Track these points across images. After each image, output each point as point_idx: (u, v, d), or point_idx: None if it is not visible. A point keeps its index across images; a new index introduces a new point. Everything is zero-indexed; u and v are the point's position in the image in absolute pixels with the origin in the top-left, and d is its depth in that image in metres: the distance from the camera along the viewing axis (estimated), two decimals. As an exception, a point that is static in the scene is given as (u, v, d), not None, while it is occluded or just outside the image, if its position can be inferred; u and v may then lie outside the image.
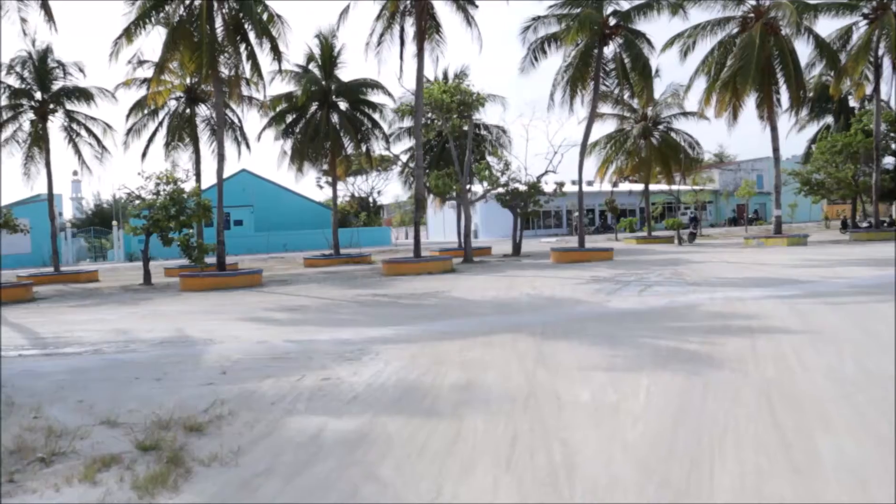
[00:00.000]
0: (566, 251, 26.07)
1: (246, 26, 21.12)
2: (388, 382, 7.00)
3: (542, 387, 6.54)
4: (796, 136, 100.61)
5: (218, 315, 13.89)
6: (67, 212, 76.40)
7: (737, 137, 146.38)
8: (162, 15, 20.58)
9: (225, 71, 22.75)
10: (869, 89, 34.23)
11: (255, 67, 21.91)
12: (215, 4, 20.72)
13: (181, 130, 32.23)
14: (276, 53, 21.58)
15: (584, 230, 26.79)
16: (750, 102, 31.40)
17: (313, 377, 7.36)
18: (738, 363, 7.18)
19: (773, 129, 31.43)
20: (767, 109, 30.81)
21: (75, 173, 54.59)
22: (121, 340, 10.84)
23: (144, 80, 29.31)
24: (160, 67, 20.92)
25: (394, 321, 11.64)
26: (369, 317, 12.56)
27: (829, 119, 47.56)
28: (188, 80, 30.73)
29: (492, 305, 13.28)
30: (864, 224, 44.88)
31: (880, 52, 32.82)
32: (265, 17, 21.95)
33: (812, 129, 48.97)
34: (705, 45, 31.42)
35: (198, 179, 29.94)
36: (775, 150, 31.73)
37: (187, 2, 20.85)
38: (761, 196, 64.56)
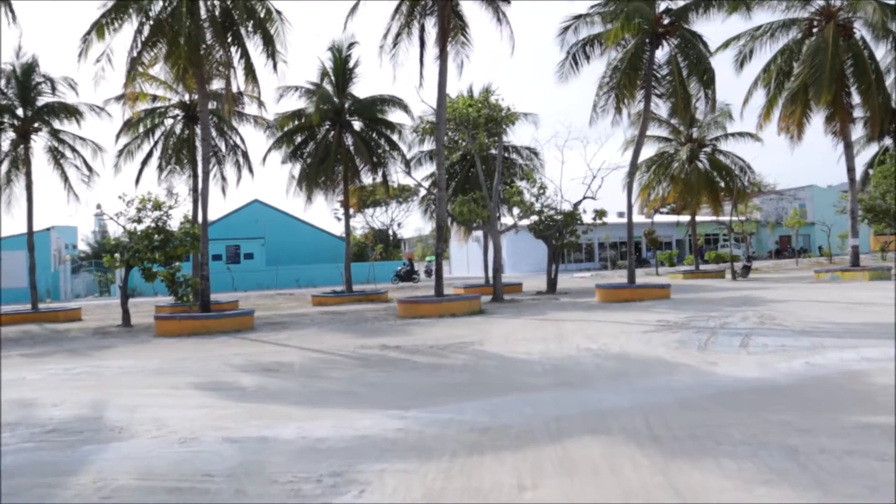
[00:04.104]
0: (614, 288, 22.13)
1: (236, 20, 17.72)
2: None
3: None
4: (837, 163, 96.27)
5: (168, 378, 10.18)
6: (83, 245, 73.91)
7: (768, 162, 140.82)
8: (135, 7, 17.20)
9: (216, 80, 19.47)
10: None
11: (249, 71, 18.46)
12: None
13: (178, 153, 28.96)
14: (271, 53, 18.12)
15: (633, 264, 22.86)
16: (816, 118, 27.56)
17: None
18: None
19: (848, 147, 27.47)
20: (840, 124, 26.86)
21: (99, 206, 51.74)
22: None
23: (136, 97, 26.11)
24: (135, 61, 17.47)
25: (403, 397, 7.85)
26: (369, 387, 8.76)
27: (888, 141, 43.29)
28: (186, 98, 27.62)
29: (544, 369, 9.41)
30: (935, 256, 40.68)
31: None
32: (262, 12, 18.61)
33: (868, 151, 44.75)
34: (764, 54, 27.68)
35: (195, 206, 26.50)
36: (850, 170, 27.67)
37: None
38: (806, 227, 60.01)
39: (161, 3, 17.50)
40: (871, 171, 40.85)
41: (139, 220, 20.49)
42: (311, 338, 15.10)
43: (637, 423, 6.09)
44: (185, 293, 20.51)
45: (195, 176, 27.79)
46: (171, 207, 21.66)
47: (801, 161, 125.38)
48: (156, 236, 20.20)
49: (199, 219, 19.23)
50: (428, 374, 9.56)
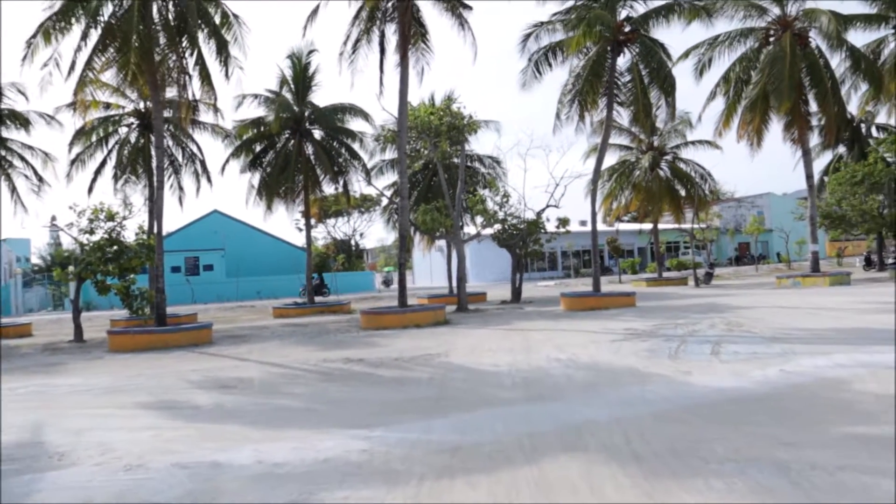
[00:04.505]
0: (580, 297, 21.94)
1: (191, 24, 17.14)
2: None
3: None
4: (793, 170, 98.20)
5: (118, 397, 9.63)
6: (36, 258, 71.70)
7: (726, 170, 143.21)
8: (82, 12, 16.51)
9: (171, 87, 18.86)
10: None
11: (205, 77, 17.89)
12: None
13: (133, 162, 28.10)
14: (225, 59, 17.56)
15: (598, 272, 22.72)
16: (775, 126, 27.86)
17: None
18: None
19: (806, 154, 27.80)
20: (799, 131, 27.16)
21: (54, 218, 50.26)
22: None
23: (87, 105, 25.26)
24: (85, 67, 16.78)
25: (368, 415, 7.45)
26: (332, 404, 8.33)
27: (841, 149, 44.05)
28: (141, 105, 26.84)
29: (513, 381, 9.08)
30: (891, 260, 41.37)
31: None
32: (217, 16, 18.07)
33: (822, 159, 45.59)
34: (722, 62, 27.88)
35: (151, 217, 25.71)
36: (808, 176, 27.98)
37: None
38: (764, 234, 60.86)
39: (111, 7, 16.86)
40: (826, 179, 41.57)
41: (91, 232, 19.75)
42: (272, 351, 14.59)
43: (615, 438, 5.78)
44: (140, 306, 19.83)
45: (151, 186, 26.99)
46: (125, 218, 20.95)
47: (757, 169, 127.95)
48: (109, 248, 19.48)
49: (155, 229, 18.55)
50: (393, 388, 9.16)
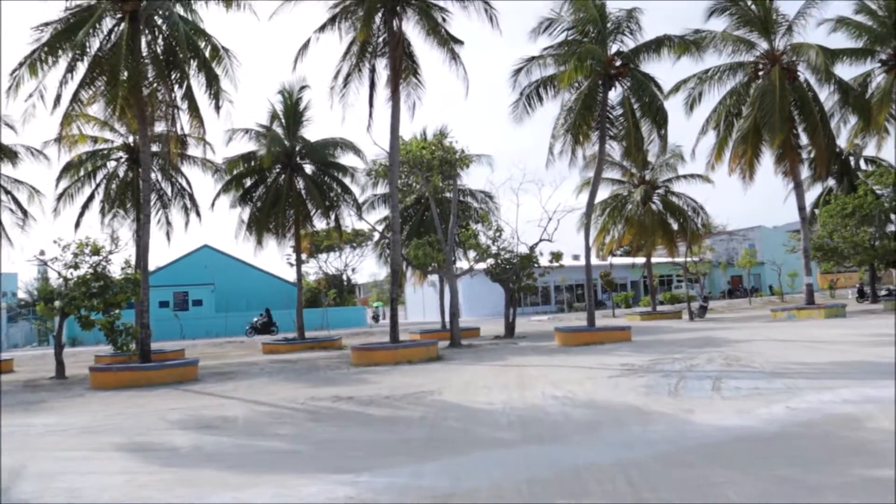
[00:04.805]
0: (574, 331, 21.58)
1: (180, 57, 16.96)
2: None
3: None
4: (784, 203, 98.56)
5: (94, 437, 9.18)
6: (23, 292, 70.87)
7: (717, 203, 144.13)
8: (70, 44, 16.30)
9: (160, 121, 18.68)
10: (890, 142, 30.78)
11: (194, 111, 17.65)
12: (142, 28, 16.69)
13: (122, 196, 27.78)
14: (216, 93, 17.36)
15: (593, 307, 22.39)
16: (766, 158, 27.83)
17: None
18: None
19: (798, 187, 27.85)
20: (790, 164, 27.14)
21: (41, 252, 49.50)
22: None
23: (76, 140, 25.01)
24: (72, 100, 16.55)
25: (356, 458, 7.04)
26: (318, 446, 7.92)
27: (831, 182, 44.15)
28: (130, 139, 26.60)
29: (509, 420, 8.69)
30: (884, 292, 41.28)
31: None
32: (207, 50, 17.90)
33: (813, 191, 45.71)
34: (712, 96, 27.96)
35: (139, 251, 25.30)
36: (801, 209, 27.94)
37: (106, 27, 16.78)
38: (756, 266, 60.76)
39: (99, 40, 16.68)
40: (817, 211, 41.62)
41: (76, 266, 19.35)
42: (259, 389, 14.15)
43: (619, 484, 5.41)
44: (124, 342, 19.34)
45: (139, 219, 26.64)
46: (111, 252, 20.61)
47: (747, 202, 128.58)
48: (94, 283, 19.06)
49: (141, 264, 18.17)
50: (383, 428, 8.76)
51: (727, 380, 11.11)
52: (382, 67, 20.64)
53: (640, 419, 8.26)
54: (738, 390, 9.96)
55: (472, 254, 27.69)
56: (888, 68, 29.75)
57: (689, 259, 37.81)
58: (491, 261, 26.87)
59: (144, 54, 16.98)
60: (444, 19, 20.02)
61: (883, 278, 50.24)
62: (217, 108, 17.49)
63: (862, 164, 44.01)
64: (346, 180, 29.56)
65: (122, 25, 16.65)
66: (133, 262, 24.47)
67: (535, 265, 27.40)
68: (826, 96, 27.59)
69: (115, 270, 20.75)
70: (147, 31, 17.09)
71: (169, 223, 29.17)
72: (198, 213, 29.05)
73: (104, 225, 27.62)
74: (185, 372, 16.91)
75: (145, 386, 15.62)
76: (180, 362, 18.10)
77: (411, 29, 20.38)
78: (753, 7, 25.92)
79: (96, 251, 19.50)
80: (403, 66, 20.24)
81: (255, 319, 42.29)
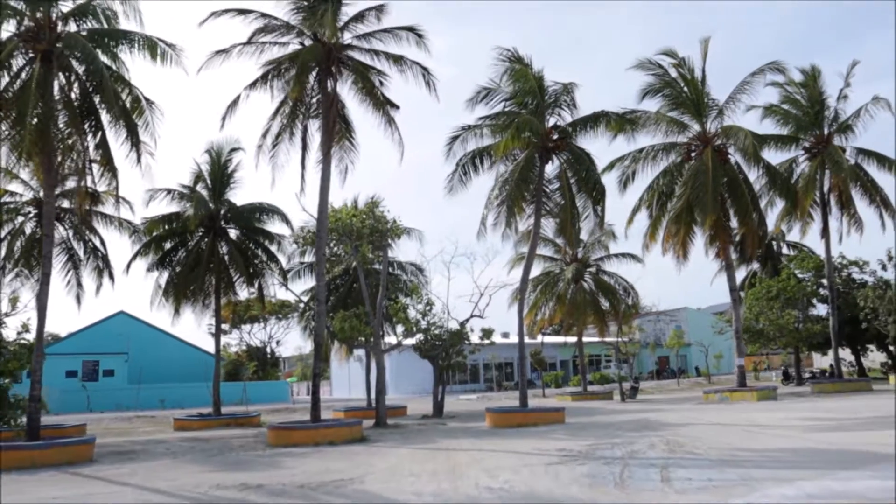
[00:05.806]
0: (506, 413, 20.56)
1: (97, 105, 15.81)
2: None
3: None
4: (710, 285, 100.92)
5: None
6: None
7: (645, 283, 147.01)
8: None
9: (71, 175, 17.39)
10: (814, 227, 31.58)
11: (108, 164, 16.37)
12: (56, 71, 15.53)
13: (27, 255, 25.73)
14: (133, 143, 16.19)
15: (525, 387, 21.49)
16: (699, 239, 27.97)
17: None
18: None
19: (729, 268, 28.02)
20: (721, 245, 27.32)
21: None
22: None
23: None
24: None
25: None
26: (213, 549, 6.65)
27: (755, 265, 45.22)
28: (41, 193, 24.83)
29: (440, 517, 7.59)
30: (808, 375, 41.87)
31: (825, 188, 30.68)
32: (129, 100, 16.76)
33: (738, 274, 46.68)
34: (646, 175, 28.16)
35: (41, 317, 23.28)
36: (732, 290, 28.03)
37: (16, 66, 15.56)
38: (683, 347, 61.33)
39: (6, 78, 15.41)
40: (742, 294, 42.34)
41: (-37, 331, 17.50)
42: (160, 473, 12.57)
43: None
44: (13, 416, 17.39)
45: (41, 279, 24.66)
46: (6, 315, 18.88)
47: (673, 284, 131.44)
48: (-18, 351, 17.24)
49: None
50: (293, 526, 7.52)
51: (675, 468, 10.29)
52: (315, 129, 19.89)
53: (589, 517, 7.29)
54: (689, 482, 9.12)
55: (400, 328, 26.61)
56: (811, 156, 30.80)
57: (620, 339, 37.58)
58: (420, 336, 25.78)
59: (57, 98, 15.73)
60: (381, 82, 19.48)
61: (804, 361, 51.18)
62: (138, 160, 16.26)
63: (784, 249, 45.39)
64: (273, 248, 28.33)
65: (35, 65, 15.44)
66: (33, 327, 22.52)
67: (466, 342, 26.47)
68: (755, 178, 28.16)
69: (11, 335, 18.99)
70: (61, 74, 15.92)
71: (80, 285, 27.10)
72: (111, 276, 27.09)
73: (3, 285, 25.51)
74: (78, 451, 15.14)
75: (29, 468, 13.82)
76: (73, 440, 16.23)
77: (346, 90, 19.80)
78: (686, 90, 26.43)
79: (-11, 315, 17.74)
80: (337, 129, 19.53)
81: None
